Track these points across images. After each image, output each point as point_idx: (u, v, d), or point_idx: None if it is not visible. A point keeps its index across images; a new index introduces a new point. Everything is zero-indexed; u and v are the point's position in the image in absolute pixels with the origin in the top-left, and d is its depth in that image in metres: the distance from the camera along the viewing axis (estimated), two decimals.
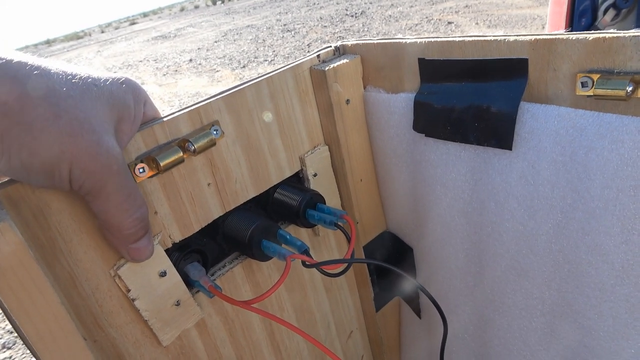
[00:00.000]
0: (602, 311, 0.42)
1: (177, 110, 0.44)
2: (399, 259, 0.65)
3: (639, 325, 0.40)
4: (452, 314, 0.58)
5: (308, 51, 6.24)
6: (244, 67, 6.64)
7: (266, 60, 6.61)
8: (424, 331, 0.67)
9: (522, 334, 0.50)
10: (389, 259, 0.66)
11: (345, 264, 0.50)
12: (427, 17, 6.91)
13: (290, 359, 0.61)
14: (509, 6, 6.41)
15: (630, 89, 0.34)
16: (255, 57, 7.01)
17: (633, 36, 0.34)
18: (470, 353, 0.60)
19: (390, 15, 7.79)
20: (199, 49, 9.17)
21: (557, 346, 0.48)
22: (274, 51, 7.07)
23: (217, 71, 6.86)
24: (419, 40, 0.48)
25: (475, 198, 0.48)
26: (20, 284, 0.31)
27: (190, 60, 8.19)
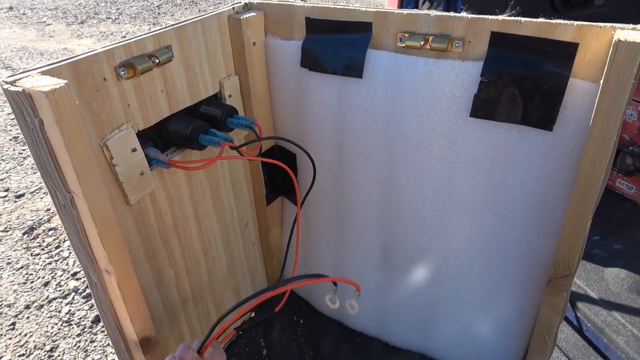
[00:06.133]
0: (407, 171, 0.73)
1: (143, 33, 0.61)
2: (286, 163, 0.90)
3: (426, 177, 0.72)
4: (319, 191, 0.86)
5: (158, 13, 6.00)
6: (82, 23, 6.04)
7: (109, 18, 6.12)
8: (301, 217, 0.94)
9: (365, 199, 0.81)
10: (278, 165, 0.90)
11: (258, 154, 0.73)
12: None
13: (207, 233, 0.82)
14: None
15: (422, 43, 0.64)
16: (96, 14, 6.42)
17: (423, 14, 0.64)
18: (328, 217, 0.88)
19: None
20: None
21: (383, 200, 0.79)
22: (119, 9, 6.56)
23: (49, 24, 6.10)
24: (306, 5, 0.73)
25: (339, 110, 0.76)
26: (71, 126, 0.47)
27: (11, 8, 7.09)
